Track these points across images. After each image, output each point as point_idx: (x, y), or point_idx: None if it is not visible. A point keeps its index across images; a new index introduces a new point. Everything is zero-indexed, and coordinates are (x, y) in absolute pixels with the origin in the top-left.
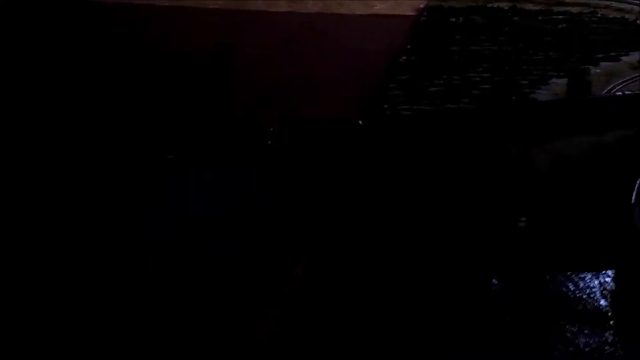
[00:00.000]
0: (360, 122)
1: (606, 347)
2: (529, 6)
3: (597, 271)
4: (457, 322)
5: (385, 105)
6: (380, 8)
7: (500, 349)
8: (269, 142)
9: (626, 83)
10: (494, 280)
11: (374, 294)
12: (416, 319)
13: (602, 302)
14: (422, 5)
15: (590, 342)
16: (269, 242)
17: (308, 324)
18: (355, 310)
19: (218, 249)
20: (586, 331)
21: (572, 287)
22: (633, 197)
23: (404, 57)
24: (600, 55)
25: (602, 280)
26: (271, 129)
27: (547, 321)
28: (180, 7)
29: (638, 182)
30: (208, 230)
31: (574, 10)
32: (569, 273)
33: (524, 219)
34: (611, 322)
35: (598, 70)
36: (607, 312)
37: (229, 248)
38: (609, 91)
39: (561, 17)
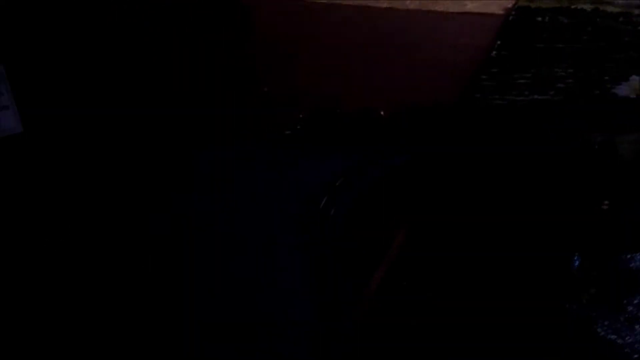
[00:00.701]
0: (382, 112)
1: None
2: (610, 8)
3: None
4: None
5: (478, 95)
6: (471, 6)
7: None
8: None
9: None
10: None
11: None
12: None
13: None
14: (510, 5)
15: None
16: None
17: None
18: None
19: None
20: None
21: None
22: None
23: (495, 52)
24: None
25: None
26: (381, 112)
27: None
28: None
29: None
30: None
31: None
32: None
33: (607, 202)
34: None
35: None
36: None
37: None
38: None
39: None
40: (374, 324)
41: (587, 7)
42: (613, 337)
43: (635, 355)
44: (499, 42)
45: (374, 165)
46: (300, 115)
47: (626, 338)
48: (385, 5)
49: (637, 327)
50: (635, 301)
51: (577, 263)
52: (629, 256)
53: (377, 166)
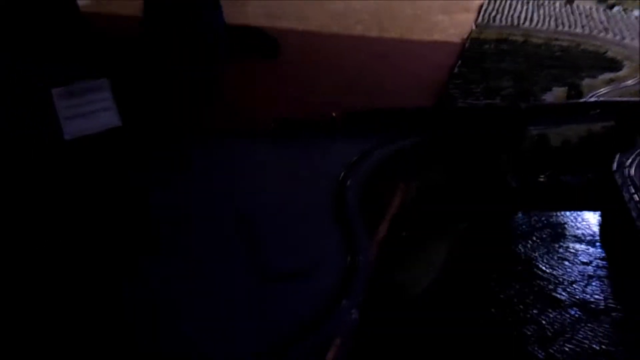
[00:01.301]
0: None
1: None
2: (535, 40)
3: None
4: None
5: (447, 99)
6: (437, 37)
7: None
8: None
9: (602, 93)
10: None
11: None
12: None
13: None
14: (465, 36)
15: None
16: None
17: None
18: None
19: None
20: None
21: None
22: (614, 166)
23: (457, 69)
24: (583, 74)
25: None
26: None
27: None
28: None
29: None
30: None
31: (565, 44)
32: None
33: (543, 175)
34: None
35: (583, 83)
36: None
37: None
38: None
39: (557, 47)
40: (381, 263)
41: (519, 38)
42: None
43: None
44: (459, 62)
45: (380, 148)
46: (333, 114)
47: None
48: (375, 35)
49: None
50: None
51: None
52: None
53: (382, 149)
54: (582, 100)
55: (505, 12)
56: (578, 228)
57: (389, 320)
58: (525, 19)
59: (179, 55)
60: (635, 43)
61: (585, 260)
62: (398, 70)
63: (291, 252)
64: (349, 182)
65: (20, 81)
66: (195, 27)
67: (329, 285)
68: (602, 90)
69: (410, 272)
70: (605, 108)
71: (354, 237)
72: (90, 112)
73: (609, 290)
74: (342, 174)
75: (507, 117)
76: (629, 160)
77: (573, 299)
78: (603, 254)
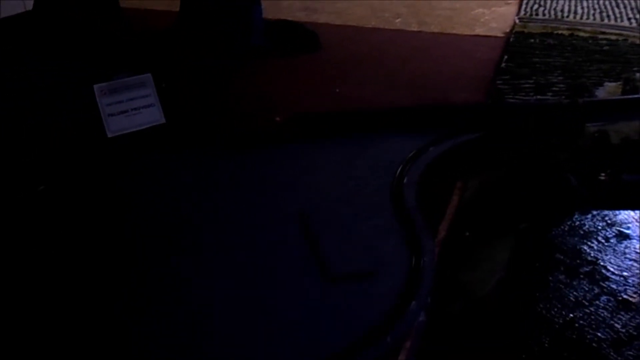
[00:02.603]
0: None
1: None
2: (582, 33)
3: None
4: None
5: (496, 96)
6: (479, 31)
7: None
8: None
9: None
10: None
11: None
12: None
13: None
14: (508, 30)
15: None
16: None
17: None
18: None
19: None
20: None
21: None
22: None
23: (504, 64)
24: (635, 68)
25: None
26: None
27: None
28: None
29: None
30: None
31: (613, 37)
32: None
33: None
34: None
35: (637, 77)
36: None
37: None
38: None
39: (604, 41)
40: (444, 263)
41: (565, 32)
42: None
43: None
44: (505, 57)
45: (436, 145)
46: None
47: None
48: (415, 28)
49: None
50: None
51: None
52: None
53: (438, 145)
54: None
55: (548, 4)
56: None
57: (456, 321)
58: (570, 11)
59: (218, 50)
60: None
61: None
62: (441, 65)
63: (353, 253)
64: (406, 180)
65: (64, 78)
66: (237, 22)
67: (395, 287)
68: None
69: (476, 271)
70: None
71: (417, 237)
72: (133, 109)
73: None
74: (398, 171)
75: (565, 113)
76: None
77: None
78: None
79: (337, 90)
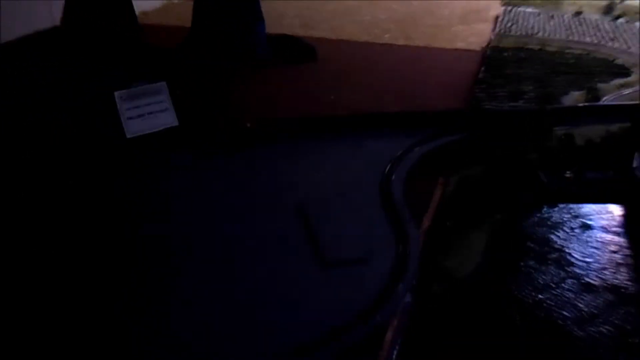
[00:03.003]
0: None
1: None
2: (550, 48)
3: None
4: None
5: (473, 103)
6: (460, 45)
7: None
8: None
9: (613, 97)
10: None
11: None
12: None
13: None
14: (485, 44)
15: None
16: None
17: None
18: None
19: None
20: None
21: None
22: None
23: (481, 75)
24: (596, 79)
25: None
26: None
27: None
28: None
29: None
30: None
31: (577, 52)
32: None
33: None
34: None
35: (598, 87)
36: None
37: None
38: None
39: (570, 55)
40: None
41: (535, 47)
42: None
43: None
44: (482, 68)
45: (420, 145)
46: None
47: None
48: (402, 43)
49: None
50: None
51: None
52: None
53: (422, 146)
54: (600, 103)
55: (520, 22)
56: (604, 219)
57: (438, 301)
58: (539, 29)
59: (226, 61)
60: None
61: (613, 249)
62: (425, 75)
63: (346, 241)
64: (394, 177)
65: (86, 85)
66: (242, 36)
67: (384, 271)
68: (614, 94)
69: (456, 257)
70: (621, 110)
71: (403, 227)
72: (149, 112)
73: (637, 276)
74: (387, 168)
75: (535, 118)
76: None
77: (605, 284)
78: (629, 243)
79: (332, 97)
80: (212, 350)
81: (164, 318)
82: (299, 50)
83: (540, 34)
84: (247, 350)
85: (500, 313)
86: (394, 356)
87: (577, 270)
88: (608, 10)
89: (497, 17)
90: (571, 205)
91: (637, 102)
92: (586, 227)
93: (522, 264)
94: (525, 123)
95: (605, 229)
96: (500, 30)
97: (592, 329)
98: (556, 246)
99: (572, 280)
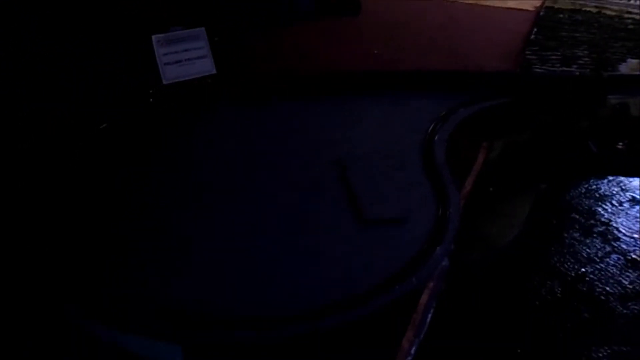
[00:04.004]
0: None
1: None
2: (608, 12)
3: None
4: None
5: (525, 65)
6: (511, 4)
7: None
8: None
9: None
10: None
11: None
12: None
13: None
14: (539, 4)
15: None
16: None
17: None
18: None
19: None
20: None
21: None
22: None
23: (533, 36)
24: None
25: None
26: None
27: None
28: None
29: None
30: None
31: (637, 17)
32: None
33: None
34: None
35: None
36: None
37: None
38: None
39: (629, 20)
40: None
41: (593, 9)
42: None
43: None
44: (535, 30)
45: (465, 107)
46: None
47: None
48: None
49: None
50: None
51: None
52: None
53: (467, 108)
54: None
55: None
56: None
57: (476, 268)
58: None
59: (267, 10)
60: None
61: None
62: (474, 34)
63: (385, 200)
64: (436, 137)
65: (123, 27)
66: None
67: (422, 234)
68: None
69: (496, 225)
70: None
71: (444, 190)
72: (187, 59)
73: None
74: (430, 128)
75: (589, 85)
76: None
77: None
78: None
79: (376, 51)
80: (246, 301)
81: (198, 266)
82: (342, 3)
83: None
84: (281, 303)
85: (540, 284)
86: (427, 319)
87: (623, 246)
88: None
89: None
90: (621, 178)
91: None
92: (635, 201)
93: (565, 235)
94: (578, 89)
95: None
96: None
97: (636, 307)
98: (603, 219)
99: (617, 255)
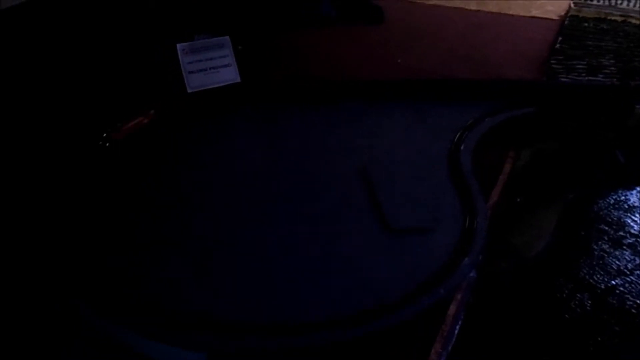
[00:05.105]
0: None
1: None
2: (634, 20)
3: None
4: None
5: (550, 74)
6: (535, 13)
7: None
8: None
9: None
10: None
11: None
12: None
13: None
14: (563, 13)
15: None
16: None
17: None
18: None
19: None
20: None
21: None
22: None
23: (558, 45)
24: None
25: None
26: None
27: None
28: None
29: None
30: None
31: None
32: None
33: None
34: None
35: None
36: None
37: None
38: None
39: None
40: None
41: (618, 18)
42: None
43: None
44: (560, 38)
45: (491, 116)
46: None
47: None
48: (474, 8)
49: None
50: None
51: None
52: None
53: (493, 117)
54: None
55: None
56: None
57: (504, 279)
58: None
59: (290, 17)
60: None
61: None
62: (498, 43)
63: (412, 209)
64: (462, 147)
65: (147, 36)
66: None
67: (450, 244)
68: None
69: (524, 235)
70: None
71: (471, 200)
72: (211, 67)
73: None
74: (456, 138)
75: (616, 95)
76: None
77: None
78: None
79: (399, 60)
80: (272, 311)
81: (226, 272)
82: (365, 10)
83: (624, 5)
84: (307, 311)
85: (570, 297)
86: (456, 331)
87: None
88: None
89: None
90: None
91: None
92: None
93: (594, 247)
94: (605, 99)
95: None
96: None
97: None
98: (633, 231)
99: None
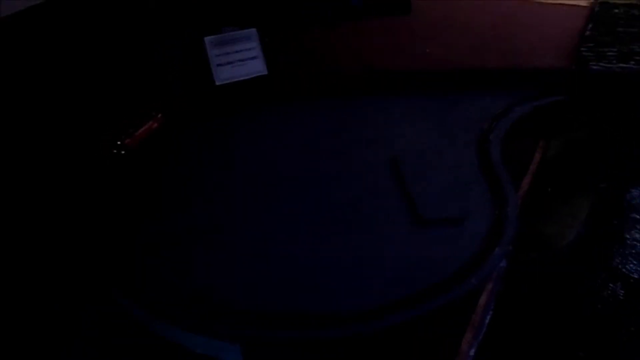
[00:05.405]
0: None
1: None
2: None
3: None
4: None
5: (580, 62)
6: (565, 0)
7: None
8: None
9: None
10: None
11: None
12: None
13: None
14: (593, 0)
15: None
16: None
17: None
18: None
19: None
20: None
21: None
22: None
23: (588, 32)
24: None
25: None
26: None
27: None
28: None
29: None
30: None
31: None
32: None
33: None
34: None
35: None
36: None
37: None
38: None
39: None
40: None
41: None
42: None
43: None
44: (590, 25)
45: (520, 105)
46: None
47: None
48: None
49: None
50: None
51: None
52: None
53: (522, 105)
54: None
55: None
56: None
57: (535, 269)
58: None
59: (318, 9)
60: None
61: None
62: (527, 31)
63: (442, 199)
64: (492, 136)
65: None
66: None
67: (480, 234)
68: None
69: (555, 225)
70: None
71: (501, 189)
72: (239, 60)
73: None
74: (485, 127)
75: None
76: None
77: None
78: None
79: (428, 50)
80: (300, 305)
81: (260, 265)
82: (393, 2)
83: None
84: (339, 302)
85: (602, 286)
86: (486, 321)
87: None
88: None
89: None
90: None
91: None
92: None
93: (627, 236)
94: (637, 86)
95: None
96: None
97: None
98: None
99: None
